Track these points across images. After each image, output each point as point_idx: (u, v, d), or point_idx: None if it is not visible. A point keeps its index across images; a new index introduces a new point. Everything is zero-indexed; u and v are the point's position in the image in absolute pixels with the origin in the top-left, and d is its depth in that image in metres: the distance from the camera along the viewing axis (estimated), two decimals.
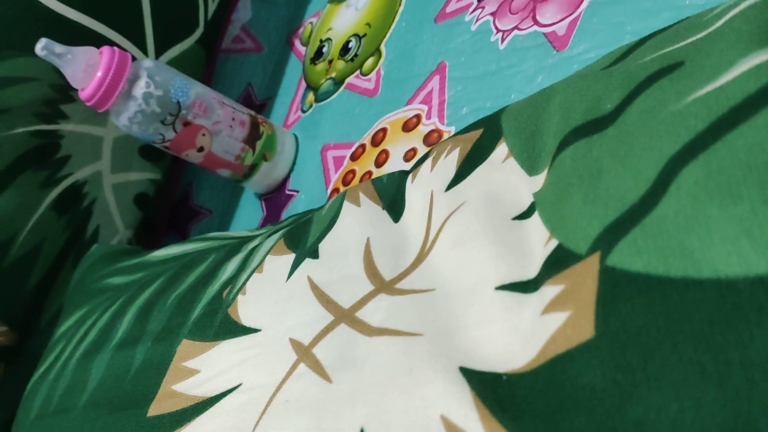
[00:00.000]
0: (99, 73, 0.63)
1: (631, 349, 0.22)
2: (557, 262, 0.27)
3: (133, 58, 0.68)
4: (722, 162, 0.23)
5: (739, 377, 0.19)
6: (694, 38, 0.30)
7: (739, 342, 0.20)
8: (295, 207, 0.72)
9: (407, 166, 0.61)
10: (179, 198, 0.90)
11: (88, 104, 0.64)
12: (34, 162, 0.67)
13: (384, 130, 0.65)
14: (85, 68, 0.63)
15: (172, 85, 0.67)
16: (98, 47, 0.64)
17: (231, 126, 0.70)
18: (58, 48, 0.61)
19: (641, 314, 0.22)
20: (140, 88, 0.65)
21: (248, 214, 0.79)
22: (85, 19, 0.70)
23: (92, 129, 0.73)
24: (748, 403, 0.19)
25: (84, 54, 0.63)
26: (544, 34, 0.53)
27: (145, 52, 0.75)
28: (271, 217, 0.75)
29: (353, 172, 0.66)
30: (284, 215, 0.73)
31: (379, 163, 0.63)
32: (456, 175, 0.38)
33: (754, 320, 0.20)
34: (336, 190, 0.67)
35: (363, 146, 0.66)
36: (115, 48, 0.64)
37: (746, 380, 0.19)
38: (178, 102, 0.66)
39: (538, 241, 0.30)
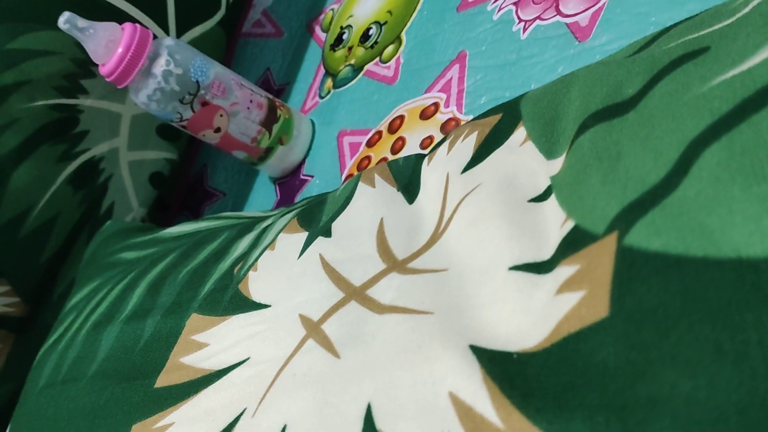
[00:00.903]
0: (120, 49, 0.63)
1: (647, 328, 0.21)
2: (573, 243, 0.27)
3: (155, 37, 0.68)
4: (746, 143, 0.22)
5: (757, 357, 0.19)
6: (720, 25, 0.30)
7: (757, 322, 0.19)
8: (309, 192, 0.72)
9: None
10: (194, 179, 0.90)
11: (108, 80, 0.64)
12: (53, 135, 0.68)
13: (401, 117, 0.65)
14: (106, 44, 0.63)
15: (192, 65, 0.67)
16: (121, 23, 0.64)
17: (248, 108, 0.70)
18: (81, 22, 0.62)
19: (658, 293, 0.22)
20: (160, 66, 0.65)
21: (262, 197, 0.79)
22: None
23: (111, 105, 0.73)
24: (764, 382, 0.19)
25: (106, 29, 0.63)
26: (566, 24, 0.53)
27: (167, 32, 0.75)
28: (285, 202, 0.75)
29: (369, 158, 0.66)
30: (297, 200, 0.73)
31: (395, 150, 0.63)
32: (473, 157, 0.37)
33: None
34: (350, 176, 0.67)
35: (379, 133, 0.66)
36: (137, 25, 0.64)
37: (763, 360, 0.19)
38: (197, 81, 0.67)
39: (554, 223, 0.29)
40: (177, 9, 0.76)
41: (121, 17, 0.70)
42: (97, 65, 0.64)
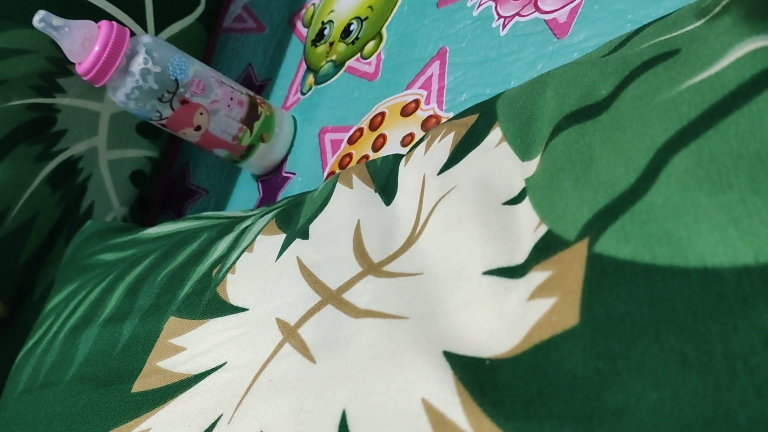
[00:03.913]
0: (96, 48, 0.62)
1: (614, 337, 0.21)
2: (545, 248, 0.27)
3: (132, 34, 0.67)
4: (713, 150, 0.22)
5: (721, 368, 0.19)
6: (691, 26, 0.30)
7: (722, 332, 0.19)
8: (291, 189, 0.72)
9: (404, 151, 0.61)
10: (175, 177, 0.89)
11: (84, 78, 0.63)
12: (30, 135, 0.67)
13: (382, 114, 0.64)
14: (82, 42, 0.62)
15: (171, 62, 0.66)
16: (97, 21, 0.64)
17: (229, 106, 0.70)
18: (56, 21, 0.61)
19: (626, 302, 0.22)
20: (138, 64, 0.64)
21: (245, 195, 0.79)
22: None
23: (89, 104, 0.72)
24: (728, 394, 0.19)
25: (82, 27, 0.62)
26: (545, 21, 0.53)
27: (145, 28, 0.74)
28: (268, 199, 0.74)
29: (350, 155, 0.66)
30: (280, 197, 0.73)
31: (376, 148, 0.63)
32: (449, 158, 0.37)
33: (739, 311, 0.19)
34: (332, 173, 0.67)
35: (361, 130, 0.66)
36: (114, 23, 0.63)
37: (728, 371, 0.19)
38: (176, 79, 0.66)
39: (527, 227, 0.29)
40: (155, 5, 0.75)
41: (98, 14, 0.70)
42: (74, 64, 0.64)
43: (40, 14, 0.60)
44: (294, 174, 0.72)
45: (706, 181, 0.22)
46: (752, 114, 0.22)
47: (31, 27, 0.60)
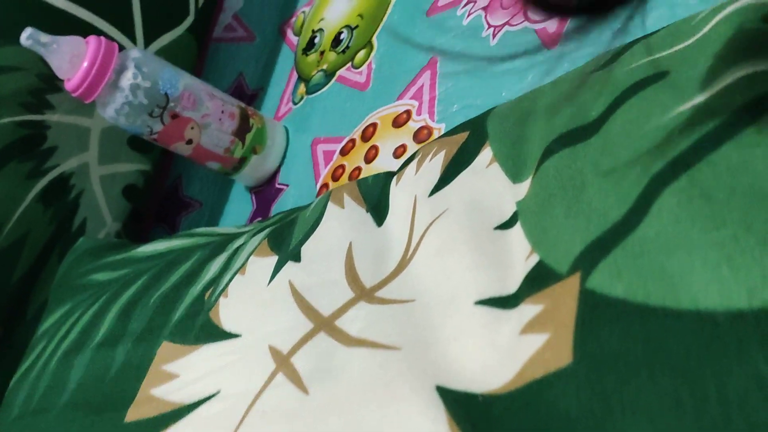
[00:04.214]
0: (85, 64, 0.62)
1: (608, 376, 0.21)
2: (537, 280, 0.26)
3: (122, 48, 0.67)
4: (705, 183, 0.22)
5: (716, 413, 0.19)
6: (681, 45, 0.29)
7: (717, 376, 0.19)
8: (284, 201, 0.71)
9: (397, 163, 0.60)
10: (169, 189, 0.89)
11: (74, 95, 0.63)
12: (20, 153, 0.66)
13: (374, 125, 0.64)
14: (70, 58, 0.62)
15: (161, 77, 0.65)
16: (85, 36, 0.63)
17: (220, 119, 0.69)
18: (44, 37, 0.60)
19: (619, 340, 0.21)
20: (127, 80, 0.64)
21: (238, 207, 0.78)
22: (72, 7, 0.69)
23: (79, 120, 0.72)
24: None
25: (69, 44, 0.62)
26: (535, 30, 0.52)
27: (134, 41, 0.74)
28: (261, 211, 0.74)
29: (343, 167, 0.65)
30: (274, 209, 0.72)
31: (368, 159, 0.62)
32: (440, 179, 0.37)
33: (734, 355, 0.19)
34: (325, 185, 0.67)
35: (353, 141, 0.66)
36: (102, 38, 0.63)
37: (723, 417, 0.19)
38: (166, 94, 0.65)
39: (519, 254, 0.29)
40: (144, 18, 0.74)
41: (86, 29, 0.69)
42: (62, 80, 0.63)
43: (28, 31, 0.59)
44: (287, 186, 0.72)
45: (699, 216, 0.21)
46: (743, 145, 0.22)
47: (19, 44, 0.60)
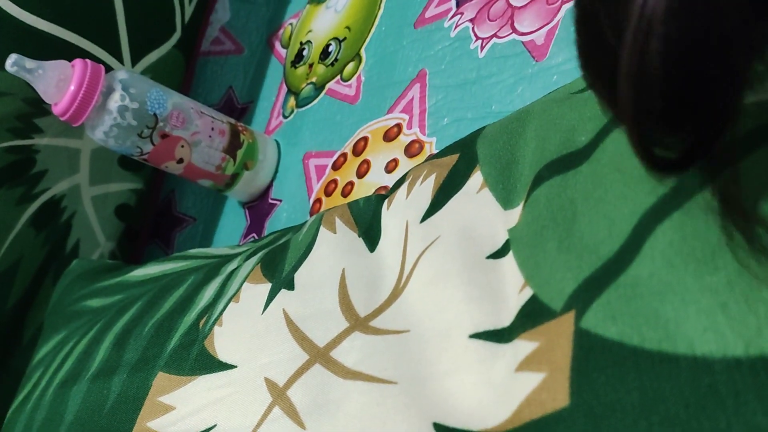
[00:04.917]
0: (72, 87, 0.61)
1: (605, 426, 0.21)
2: (532, 315, 0.26)
3: (108, 68, 0.66)
4: (697, 224, 0.22)
5: None
6: None
7: (715, 430, 0.19)
8: (278, 216, 0.71)
9: (389, 178, 0.60)
10: (162, 206, 0.88)
11: (61, 119, 0.62)
12: (9, 178, 0.66)
13: (365, 139, 0.64)
14: (57, 83, 0.61)
15: (148, 97, 0.65)
16: (71, 59, 0.63)
17: (210, 136, 0.69)
18: (29, 63, 0.60)
19: (615, 387, 0.21)
20: (115, 102, 0.63)
21: (232, 221, 0.78)
22: (58, 30, 0.68)
23: (69, 142, 0.71)
24: None
25: (55, 68, 0.61)
26: (522, 42, 0.52)
27: (121, 61, 0.73)
28: (255, 226, 0.74)
29: (335, 182, 0.65)
30: (267, 224, 0.72)
31: (360, 174, 0.62)
32: (431, 204, 0.37)
33: (731, 407, 0.19)
34: (318, 200, 0.66)
35: (344, 155, 0.65)
36: (88, 60, 0.62)
37: None
38: (155, 114, 0.65)
39: (512, 285, 0.29)
40: (130, 37, 0.74)
41: (72, 51, 0.68)
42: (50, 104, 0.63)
43: (12, 58, 0.59)
44: (280, 201, 0.72)
45: (692, 259, 0.21)
46: (741, 176, 0.22)
47: (4, 69, 0.59)
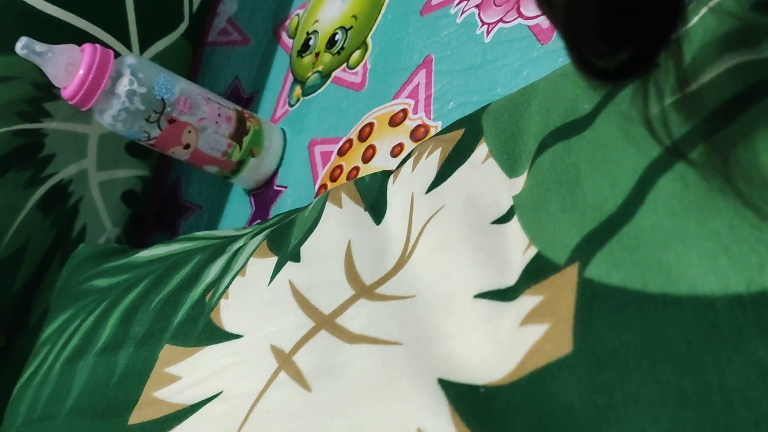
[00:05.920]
0: (81, 72, 0.62)
1: (609, 368, 0.21)
2: (536, 272, 0.26)
3: (117, 55, 0.67)
4: (699, 172, 0.22)
5: (718, 402, 0.19)
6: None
7: (717, 365, 0.19)
8: (283, 203, 0.72)
9: (394, 162, 0.60)
10: (168, 193, 0.89)
11: (70, 103, 0.63)
12: (18, 162, 0.66)
13: (371, 124, 0.64)
14: (66, 67, 0.62)
15: (156, 82, 0.66)
16: (80, 44, 0.63)
17: (217, 122, 0.69)
18: (39, 47, 0.61)
19: (618, 331, 0.22)
20: (123, 86, 0.64)
21: (237, 209, 0.79)
22: (67, 15, 0.69)
23: (77, 126, 0.72)
24: (726, 430, 0.18)
25: (65, 52, 0.62)
26: (528, 27, 0.53)
27: (129, 48, 0.74)
28: (260, 213, 0.74)
29: (341, 167, 0.65)
30: (273, 211, 0.72)
31: (366, 159, 0.63)
32: (436, 176, 0.37)
33: (732, 343, 0.19)
34: (324, 186, 0.67)
35: (350, 141, 0.66)
36: (97, 45, 0.63)
37: (725, 406, 0.19)
38: (163, 99, 0.66)
39: (516, 247, 0.29)
40: (139, 24, 0.74)
41: (81, 37, 0.69)
42: (59, 88, 0.63)
43: (23, 41, 0.59)
44: (285, 187, 0.72)
45: (694, 206, 0.22)
46: (735, 135, 0.22)
47: (14, 53, 0.60)
